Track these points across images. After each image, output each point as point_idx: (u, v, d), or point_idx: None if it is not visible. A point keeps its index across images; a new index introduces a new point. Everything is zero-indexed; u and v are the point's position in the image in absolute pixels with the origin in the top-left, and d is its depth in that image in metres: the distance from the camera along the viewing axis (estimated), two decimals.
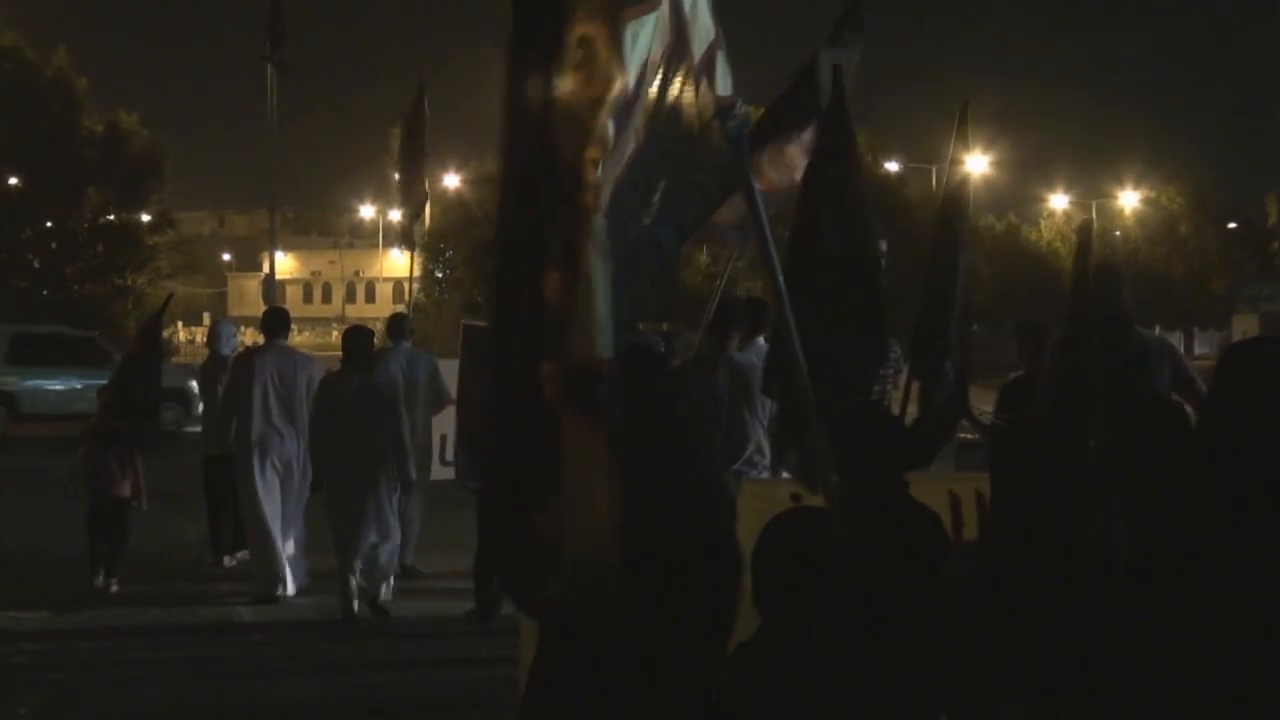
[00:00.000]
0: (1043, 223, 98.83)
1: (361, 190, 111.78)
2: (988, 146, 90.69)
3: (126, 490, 14.31)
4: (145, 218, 59.10)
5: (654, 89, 5.46)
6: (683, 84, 5.67)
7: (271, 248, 34.15)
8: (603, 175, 4.97)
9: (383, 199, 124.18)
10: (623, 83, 5.08)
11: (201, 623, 12.92)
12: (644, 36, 5.30)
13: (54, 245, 56.31)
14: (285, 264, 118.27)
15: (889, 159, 77.55)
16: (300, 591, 13.84)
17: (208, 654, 11.82)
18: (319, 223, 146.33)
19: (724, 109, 5.91)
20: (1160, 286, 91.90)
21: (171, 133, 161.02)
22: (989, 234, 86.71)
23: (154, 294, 62.45)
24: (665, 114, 5.56)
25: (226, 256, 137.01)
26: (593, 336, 4.81)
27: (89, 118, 57.37)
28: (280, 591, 13.75)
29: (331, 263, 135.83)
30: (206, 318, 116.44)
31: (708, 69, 5.80)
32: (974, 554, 5.29)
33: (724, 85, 5.91)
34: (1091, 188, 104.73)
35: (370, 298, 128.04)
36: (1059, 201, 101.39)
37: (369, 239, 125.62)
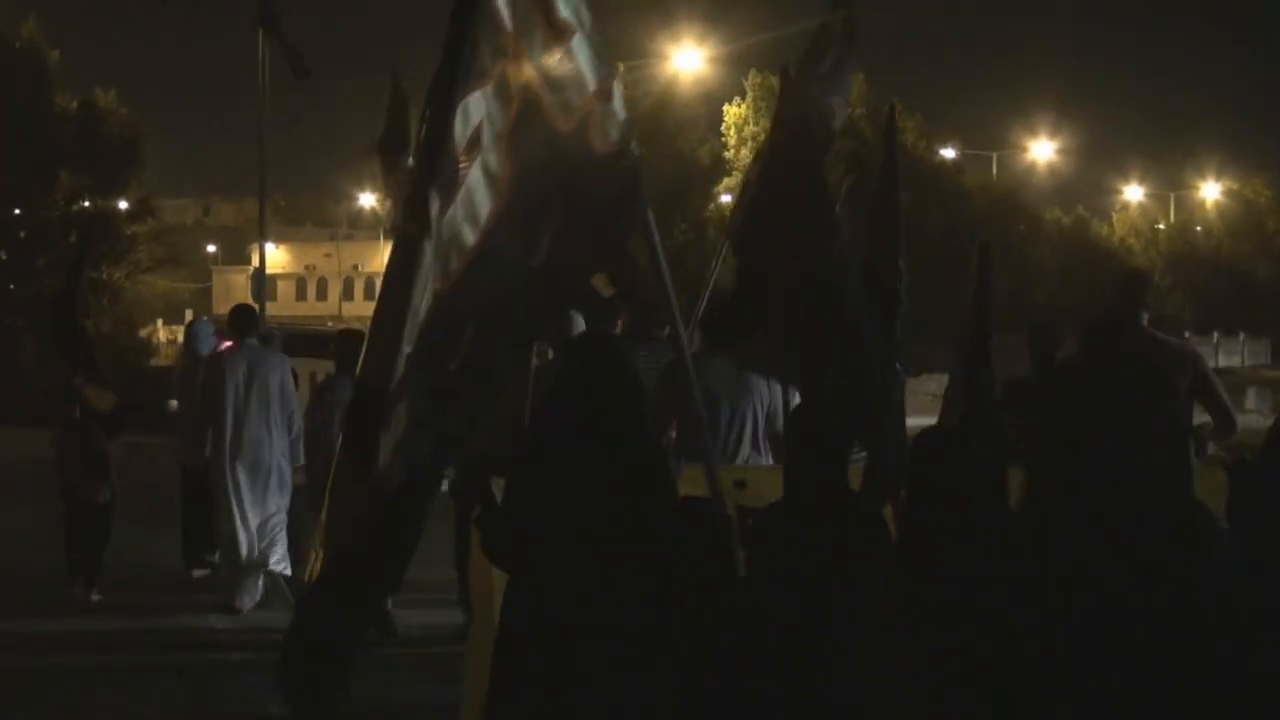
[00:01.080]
0: (1115, 216, 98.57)
1: (361, 176, 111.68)
2: (1053, 133, 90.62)
3: (104, 495, 14.94)
4: (123, 205, 59.12)
5: (502, 150, 6.65)
6: (556, 139, 6.86)
7: (261, 239, 33.91)
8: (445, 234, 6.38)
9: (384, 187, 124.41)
10: (449, 157, 6.39)
11: (177, 632, 13.57)
12: (475, 110, 6.49)
13: (22, 235, 56.30)
14: (276, 257, 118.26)
15: (944, 145, 77.35)
16: (257, 605, 14.53)
17: (185, 663, 12.44)
18: (314, 212, 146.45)
19: (619, 152, 7.04)
20: (1244, 285, 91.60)
21: (152, 112, 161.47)
22: (1055, 228, 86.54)
23: (132, 289, 62.55)
24: (538, 169, 6.77)
25: (212, 248, 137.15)
26: (380, 361, 6.28)
27: (61, 94, 57.38)
28: (240, 603, 14.45)
29: (327, 256, 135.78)
30: (189, 315, 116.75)
31: (593, 119, 7.00)
32: (937, 552, 6.10)
33: (613, 134, 7.04)
34: (1168, 178, 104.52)
35: (370, 294, 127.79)
36: (1133, 193, 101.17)
37: (369, 230, 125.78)
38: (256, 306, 21.84)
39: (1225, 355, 77.03)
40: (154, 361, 62.16)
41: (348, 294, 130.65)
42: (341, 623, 6.49)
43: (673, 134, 65.36)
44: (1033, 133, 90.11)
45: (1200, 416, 10.34)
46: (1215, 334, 78.29)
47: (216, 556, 15.44)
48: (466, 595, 12.52)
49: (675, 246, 53.12)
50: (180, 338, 72.45)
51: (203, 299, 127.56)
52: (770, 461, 10.45)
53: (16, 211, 56.21)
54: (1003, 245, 72.66)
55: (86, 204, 57.44)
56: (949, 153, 77.70)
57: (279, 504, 14.66)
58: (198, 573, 15.91)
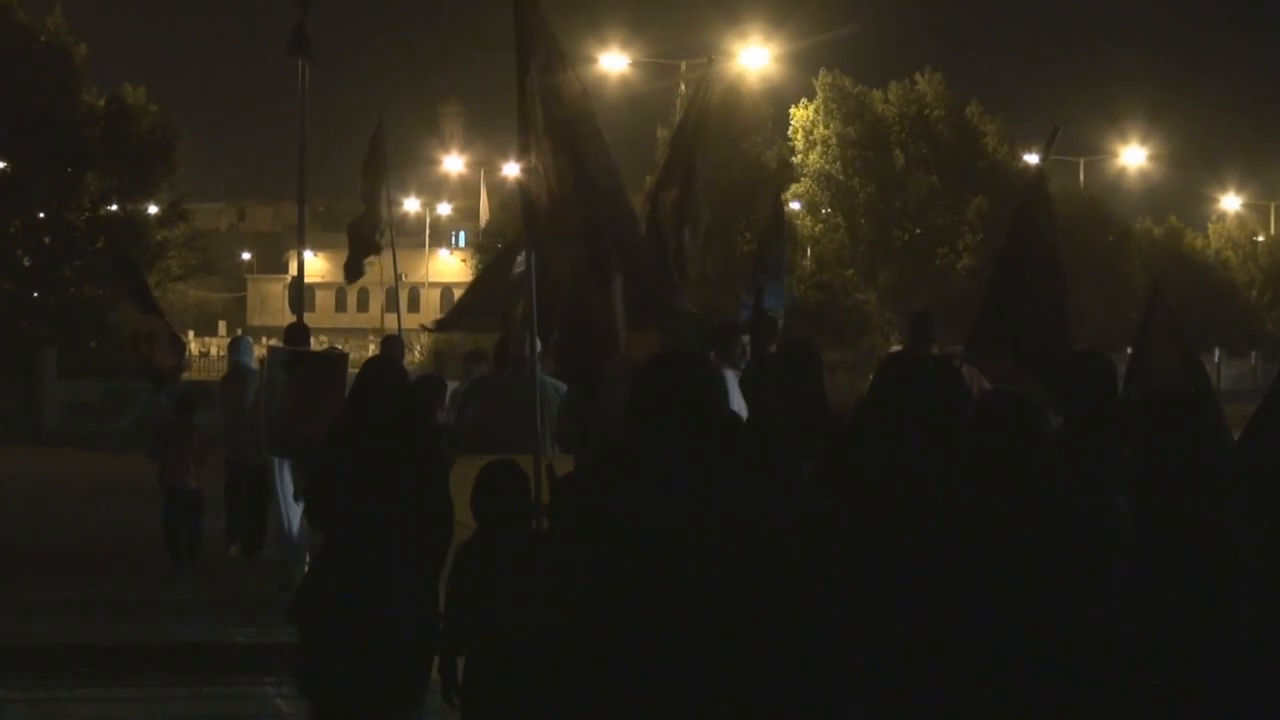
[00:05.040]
0: (1210, 227, 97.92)
1: (405, 180, 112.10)
2: (1144, 138, 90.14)
3: (193, 481, 18.64)
4: (153, 209, 59.27)
5: None
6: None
7: (300, 246, 33.90)
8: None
9: (429, 191, 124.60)
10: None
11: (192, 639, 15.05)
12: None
13: (47, 240, 56.42)
14: (315, 265, 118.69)
15: (1027, 150, 76.89)
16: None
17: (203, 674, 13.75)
18: (354, 217, 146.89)
19: None
20: None
21: (184, 109, 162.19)
22: (1146, 239, 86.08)
23: (163, 298, 62.67)
24: None
25: (246, 256, 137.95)
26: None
27: (89, 91, 57.53)
28: (294, 583, 17.10)
29: (369, 264, 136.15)
30: (223, 327, 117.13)
31: None
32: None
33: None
34: (1269, 186, 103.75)
35: (414, 306, 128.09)
36: (1230, 203, 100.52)
37: (413, 237, 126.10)
38: (294, 318, 23.27)
39: None
40: (186, 376, 62.33)
41: (391, 305, 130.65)
42: None
43: (737, 136, 65.20)
44: (1122, 137, 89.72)
45: None
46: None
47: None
48: None
49: (739, 258, 52.82)
50: (215, 350, 72.07)
51: (237, 309, 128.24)
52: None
53: (41, 215, 56.32)
54: (1090, 257, 72.16)
55: (114, 207, 57.47)
56: (1033, 158, 77.23)
57: None
58: (234, 550, 19.37)
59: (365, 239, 21.19)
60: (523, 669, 7.35)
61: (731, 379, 11.68)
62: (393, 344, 18.22)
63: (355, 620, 8.91)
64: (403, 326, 19.72)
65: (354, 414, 9.51)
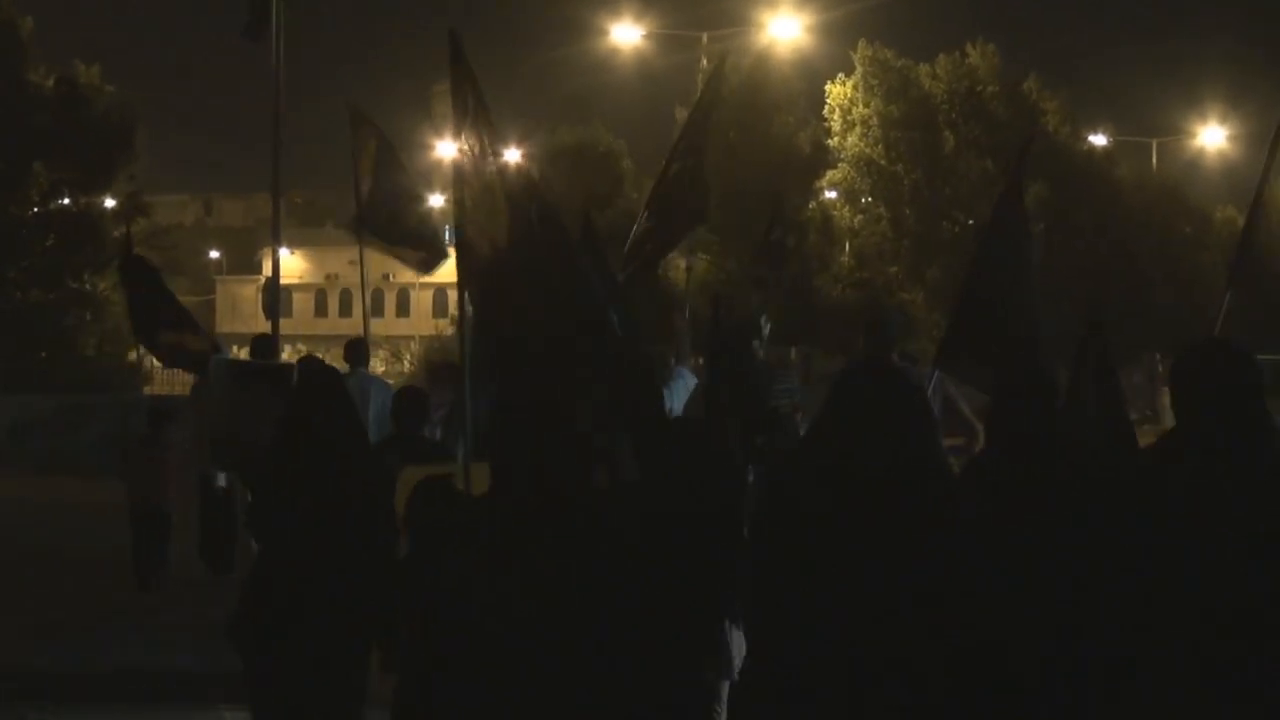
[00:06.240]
0: None
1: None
2: (1224, 116, 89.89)
3: (162, 502, 19.58)
4: (110, 202, 59.29)
5: None
6: None
7: (275, 243, 33.92)
8: None
9: (421, 181, 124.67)
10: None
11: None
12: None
13: None
14: (292, 264, 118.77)
15: (1093, 130, 76.72)
16: None
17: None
18: (336, 211, 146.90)
19: None
20: None
21: (144, 91, 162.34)
22: (1227, 229, 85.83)
23: (121, 303, 62.70)
24: None
25: (215, 254, 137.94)
26: None
27: (36, 71, 57.56)
28: None
29: (352, 263, 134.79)
30: None
31: None
32: None
33: None
34: None
35: (403, 309, 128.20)
36: None
37: None
38: (269, 322, 23.56)
39: None
40: (147, 389, 62.37)
41: (377, 309, 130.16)
42: None
43: (767, 116, 65.24)
44: (1200, 116, 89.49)
45: None
46: None
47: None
48: None
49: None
50: None
51: (205, 314, 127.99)
52: None
53: None
54: (1164, 249, 72.00)
55: (66, 201, 57.48)
56: (1099, 139, 77.12)
57: None
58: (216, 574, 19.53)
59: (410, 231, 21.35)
60: (511, 670, 7.89)
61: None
62: (356, 348, 18.88)
63: (291, 634, 9.63)
64: (369, 332, 20.62)
65: (294, 424, 10.22)
